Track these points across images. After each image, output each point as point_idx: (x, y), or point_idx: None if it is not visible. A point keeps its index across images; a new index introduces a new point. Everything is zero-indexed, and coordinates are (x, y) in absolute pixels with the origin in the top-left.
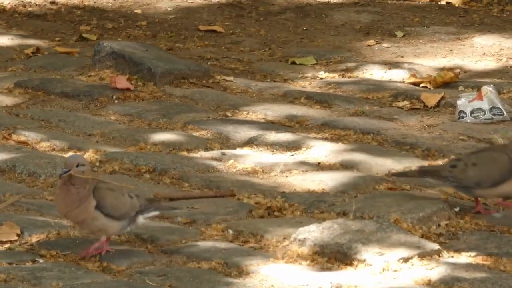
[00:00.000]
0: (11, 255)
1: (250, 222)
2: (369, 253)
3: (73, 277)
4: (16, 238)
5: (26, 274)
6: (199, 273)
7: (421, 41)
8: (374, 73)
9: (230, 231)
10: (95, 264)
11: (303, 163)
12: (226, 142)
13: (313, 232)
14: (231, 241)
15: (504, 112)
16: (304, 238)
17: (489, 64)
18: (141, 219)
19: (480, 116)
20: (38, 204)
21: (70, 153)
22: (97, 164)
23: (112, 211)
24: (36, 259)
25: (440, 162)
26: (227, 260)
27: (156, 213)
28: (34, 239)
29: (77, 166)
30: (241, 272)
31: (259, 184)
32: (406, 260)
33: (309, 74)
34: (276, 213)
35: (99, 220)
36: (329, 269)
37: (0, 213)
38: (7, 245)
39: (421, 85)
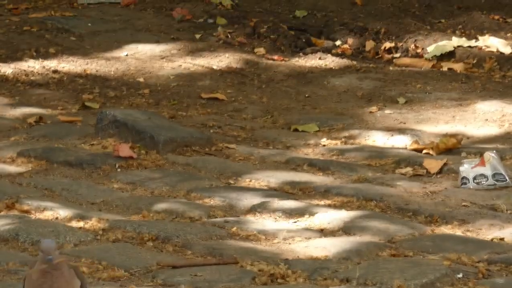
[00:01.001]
0: None
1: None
2: None
3: None
4: None
5: None
6: None
7: (423, 107)
8: (376, 139)
9: None
10: None
11: (306, 229)
12: (229, 210)
13: None
14: None
15: (507, 178)
16: None
17: (492, 130)
18: None
19: (483, 182)
20: None
21: (73, 223)
22: (100, 232)
23: None
24: None
25: (443, 228)
26: None
27: None
28: None
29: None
30: None
31: (262, 251)
32: None
33: (312, 141)
34: (279, 280)
35: None
36: None
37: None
38: None
39: (424, 151)
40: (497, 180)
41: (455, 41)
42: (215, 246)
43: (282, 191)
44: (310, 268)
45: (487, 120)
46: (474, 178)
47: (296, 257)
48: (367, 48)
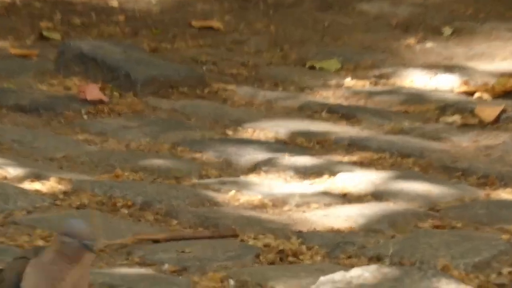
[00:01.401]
0: None
1: (257, 270)
2: None
3: None
4: None
5: None
6: None
7: (474, 40)
8: (415, 80)
9: (232, 282)
10: None
11: (325, 194)
12: (226, 168)
13: (338, 283)
14: None
15: None
16: None
17: None
18: None
19: None
20: None
21: (26, 184)
22: (61, 196)
23: None
24: None
25: (500, 192)
26: None
27: None
28: None
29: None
30: None
31: (269, 222)
32: None
33: (333, 82)
34: (290, 259)
35: None
36: None
37: None
38: None
39: (476, 95)
40: None
41: None
42: (208, 214)
43: (294, 145)
44: (330, 242)
45: None
46: None
47: (313, 229)
48: None
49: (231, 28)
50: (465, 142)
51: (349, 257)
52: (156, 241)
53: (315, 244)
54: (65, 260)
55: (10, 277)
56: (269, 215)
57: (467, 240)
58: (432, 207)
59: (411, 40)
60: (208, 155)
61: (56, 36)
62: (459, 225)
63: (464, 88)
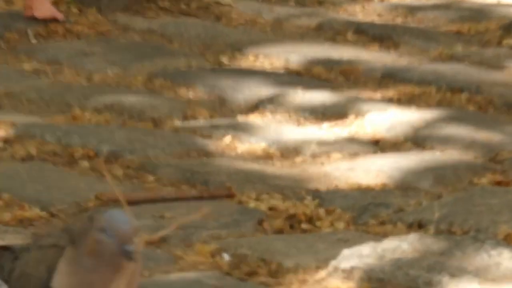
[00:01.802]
0: None
1: (259, 241)
2: None
3: None
4: None
5: None
6: None
7: None
8: None
9: (226, 257)
10: None
11: (350, 140)
12: (219, 108)
13: (367, 257)
14: (228, 273)
15: None
16: (351, 267)
17: None
18: None
19: None
20: None
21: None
22: (0, 145)
23: None
24: None
25: None
26: None
27: None
28: None
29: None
30: None
31: (276, 177)
32: None
33: None
34: (304, 226)
35: None
36: None
37: None
38: None
39: None
40: None
41: None
42: (196, 168)
43: (310, 76)
44: (356, 205)
45: None
46: None
47: (334, 186)
48: None
49: None
50: None
51: (382, 223)
52: (127, 203)
53: (337, 206)
54: (104, 266)
55: (39, 270)
56: (276, 168)
57: None
58: (492, 157)
59: None
60: (196, 91)
61: None
62: None
63: None
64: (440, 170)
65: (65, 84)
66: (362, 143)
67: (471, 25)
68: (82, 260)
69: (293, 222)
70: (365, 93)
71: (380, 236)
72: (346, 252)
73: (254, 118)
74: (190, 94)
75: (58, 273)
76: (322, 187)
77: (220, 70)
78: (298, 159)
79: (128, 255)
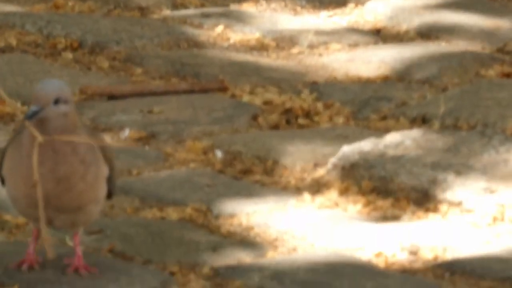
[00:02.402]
0: None
1: (254, 136)
2: (467, 191)
3: None
4: None
5: None
6: (163, 228)
7: None
8: None
9: (219, 153)
10: None
11: (349, 30)
12: None
13: (368, 154)
14: (221, 171)
15: None
16: (351, 165)
17: None
18: None
19: None
20: None
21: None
22: None
23: (115, 185)
24: None
25: None
26: (212, 205)
27: None
28: None
29: (55, 102)
30: (238, 228)
31: (271, 69)
32: None
33: None
34: (300, 121)
35: (100, 205)
36: (394, 219)
37: None
38: None
39: None
40: None
41: None
42: (186, 59)
43: None
44: (356, 98)
45: None
46: None
47: (332, 78)
48: None
49: None
50: None
51: (383, 118)
52: (112, 97)
53: (336, 100)
54: (26, 138)
55: None
56: (272, 60)
57: None
58: (500, 47)
59: None
60: None
61: None
62: None
63: None
64: (445, 61)
65: None
66: (363, 33)
67: None
68: (19, 138)
69: (289, 117)
70: None
71: (381, 131)
72: (346, 148)
73: (247, 7)
74: None
75: (5, 159)
76: (320, 79)
77: None
78: (295, 50)
79: (28, 115)
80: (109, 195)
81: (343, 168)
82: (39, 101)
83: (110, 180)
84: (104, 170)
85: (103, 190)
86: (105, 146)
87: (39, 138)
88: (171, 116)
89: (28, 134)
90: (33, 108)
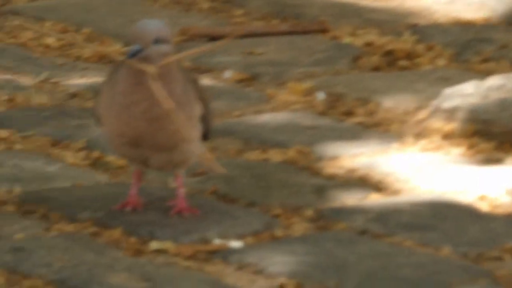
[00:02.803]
0: None
1: (355, 78)
2: None
3: (44, 176)
4: None
5: None
6: (266, 170)
7: None
8: None
9: (321, 95)
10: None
11: None
12: None
13: (471, 96)
14: (322, 113)
15: None
16: (453, 107)
17: None
18: None
19: None
20: None
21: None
22: None
23: (211, 126)
24: None
25: None
26: (315, 147)
27: None
28: None
29: (155, 42)
30: (340, 170)
31: (372, 11)
32: None
33: None
34: (402, 63)
35: (194, 144)
36: (497, 162)
37: None
38: None
39: None
40: None
41: None
42: (287, 0)
43: None
44: (458, 40)
45: None
46: None
47: (433, 21)
48: None
49: None
50: None
51: (485, 60)
52: (213, 38)
53: (437, 42)
54: (126, 74)
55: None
56: (373, 1)
57: None
58: None
59: None
60: None
61: None
62: None
63: None
64: None
65: None
66: None
67: None
68: (115, 77)
69: (390, 58)
70: None
71: (483, 74)
72: (447, 91)
73: None
74: None
75: (100, 98)
76: (422, 21)
77: None
78: None
79: (130, 53)
80: (205, 136)
81: (445, 111)
82: (139, 40)
83: (204, 120)
84: (198, 109)
85: (196, 129)
86: (200, 86)
87: (152, 68)
88: (272, 57)
89: (124, 72)
90: (135, 47)
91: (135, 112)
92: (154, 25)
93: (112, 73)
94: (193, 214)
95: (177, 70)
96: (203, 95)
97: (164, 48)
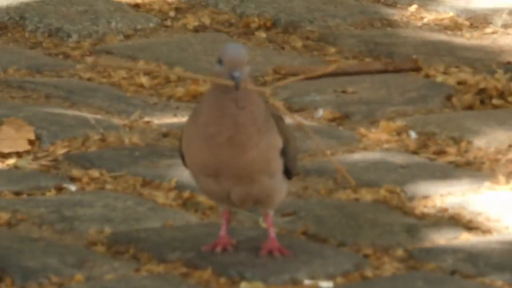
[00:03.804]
0: (20, 178)
1: (448, 117)
2: None
3: (135, 216)
4: (29, 147)
5: (46, 211)
6: (357, 210)
7: None
8: None
9: (412, 134)
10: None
11: None
12: None
13: None
14: (414, 152)
15: None
16: None
17: None
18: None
19: None
20: (67, 85)
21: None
22: (172, 14)
23: (294, 163)
24: (64, 185)
25: None
26: (406, 186)
27: None
28: (60, 149)
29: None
30: (432, 209)
31: (465, 49)
32: None
33: None
34: (495, 101)
35: (276, 180)
36: None
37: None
38: (12, 161)
39: None
40: None
41: None
42: (379, 39)
43: None
44: None
45: None
46: None
47: None
48: None
49: None
50: None
51: None
52: (307, 78)
53: None
54: (220, 96)
55: None
56: (465, 39)
57: None
58: None
59: None
60: None
61: None
62: None
63: None
64: None
65: None
66: None
67: None
68: (197, 111)
69: (483, 97)
70: None
71: None
72: None
73: None
74: None
75: (183, 136)
76: None
77: None
78: (489, 30)
79: (234, 79)
80: (289, 173)
81: None
82: (236, 65)
83: (286, 155)
84: (278, 142)
85: (277, 162)
86: (284, 122)
87: (267, 90)
88: (364, 96)
89: (207, 105)
90: (236, 73)
91: (219, 139)
92: (243, 49)
93: (196, 108)
94: (283, 254)
95: (260, 100)
96: (286, 130)
97: (247, 70)
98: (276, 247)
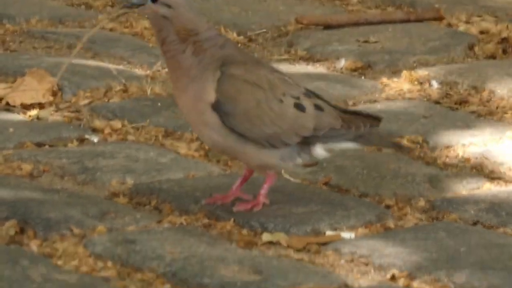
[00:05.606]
0: (42, 129)
1: (470, 66)
2: None
3: (157, 167)
4: (51, 98)
5: (68, 163)
6: (379, 160)
7: None
8: None
9: (434, 83)
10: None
11: None
12: None
13: None
14: (436, 102)
15: None
16: None
17: None
18: (319, 151)
19: None
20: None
21: None
22: None
23: (244, 124)
24: (87, 136)
25: None
26: (428, 136)
27: (352, 145)
28: (82, 100)
29: (153, 0)
30: (454, 159)
31: None
32: None
33: None
34: None
35: (221, 134)
36: None
37: (20, 55)
38: (34, 112)
39: None
40: None
41: None
42: None
43: None
44: None
45: None
46: None
47: None
48: None
49: None
50: None
51: None
52: (327, 27)
53: None
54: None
55: None
56: None
57: None
58: None
59: None
60: None
61: None
62: None
63: None
64: None
65: None
66: None
67: None
68: None
69: (506, 46)
70: None
71: None
72: None
73: None
74: None
75: None
76: None
77: None
78: None
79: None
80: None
81: None
82: None
83: (224, 113)
84: (210, 95)
85: (209, 116)
86: (232, 73)
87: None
88: (387, 45)
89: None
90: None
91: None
92: None
93: None
94: (249, 210)
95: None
96: (229, 86)
97: (162, 10)
98: (249, 206)
